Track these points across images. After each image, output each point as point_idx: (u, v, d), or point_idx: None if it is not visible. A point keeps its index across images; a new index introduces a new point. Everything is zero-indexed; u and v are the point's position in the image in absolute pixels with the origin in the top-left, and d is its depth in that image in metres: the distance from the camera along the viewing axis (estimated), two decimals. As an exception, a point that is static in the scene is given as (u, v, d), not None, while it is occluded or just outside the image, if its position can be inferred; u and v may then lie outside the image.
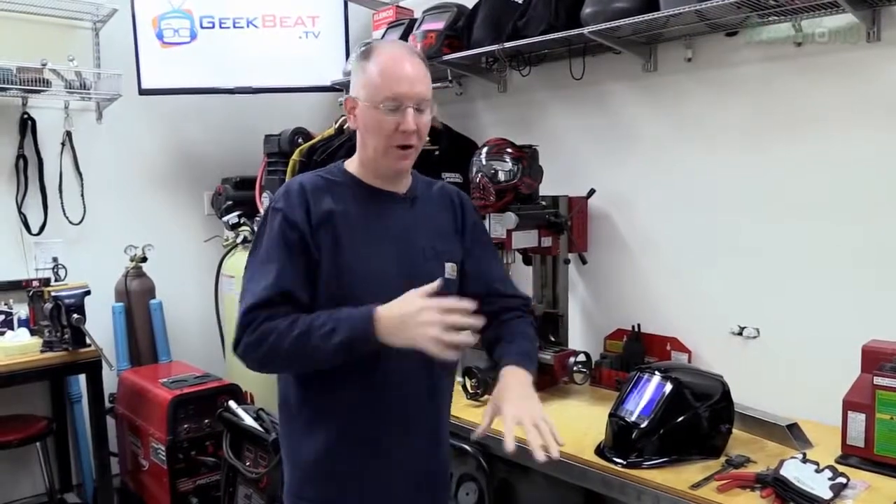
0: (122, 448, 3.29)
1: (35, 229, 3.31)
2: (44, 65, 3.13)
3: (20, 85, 3.08)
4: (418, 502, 1.56)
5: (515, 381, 1.45)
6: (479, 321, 1.36)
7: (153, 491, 3.04)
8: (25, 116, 3.27)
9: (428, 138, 2.82)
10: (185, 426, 2.90)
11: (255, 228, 2.63)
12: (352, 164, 1.54)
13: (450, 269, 1.55)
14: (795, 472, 1.54)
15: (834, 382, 1.73)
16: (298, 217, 1.43)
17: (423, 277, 1.39)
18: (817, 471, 1.56)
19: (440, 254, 1.55)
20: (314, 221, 1.43)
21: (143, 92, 3.34)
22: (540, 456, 1.33)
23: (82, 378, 3.15)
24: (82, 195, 3.43)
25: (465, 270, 1.59)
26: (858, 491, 1.54)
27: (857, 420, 1.66)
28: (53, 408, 3.37)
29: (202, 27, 3.32)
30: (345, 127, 3.06)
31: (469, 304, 1.34)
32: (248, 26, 3.32)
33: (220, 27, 3.33)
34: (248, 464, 2.56)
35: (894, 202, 1.86)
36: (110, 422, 3.20)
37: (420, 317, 1.30)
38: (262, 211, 2.58)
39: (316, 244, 1.42)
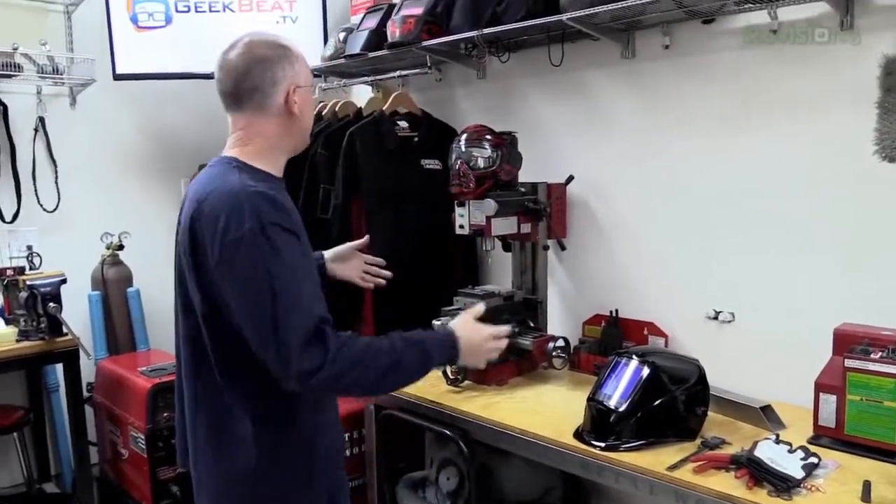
0: (101, 437, 3.27)
1: (8, 217, 3.27)
2: (15, 49, 3.08)
3: (-10, 70, 3.03)
4: None
5: None
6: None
7: (133, 479, 3.03)
8: (-4, 102, 3.22)
9: (407, 124, 2.85)
10: (165, 414, 2.88)
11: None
12: (260, 160, 1.51)
13: None
14: (769, 452, 1.57)
15: (806, 365, 1.77)
16: (296, 229, 1.44)
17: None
18: (790, 451, 1.59)
19: None
20: (299, 235, 1.45)
21: (117, 77, 3.29)
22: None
23: (59, 367, 3.13)
24: (56, 182, 3.39)
25: None
26: (829, 470, 1.58)
27: (829, 401, 1.70)
28: (30, 397, 3.35)
29: (177, 11, 3.28)
30: (323, 113, 3.05)
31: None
32: (224, 10, 3.29)
33: (196, 11, 3.29)
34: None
35: (868, 187, 1.89)
36: (88, 411, 3.19)
37: (488, 344, 1.70)
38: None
39: (303, 252, 1.46)
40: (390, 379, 1.49)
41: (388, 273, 2.08)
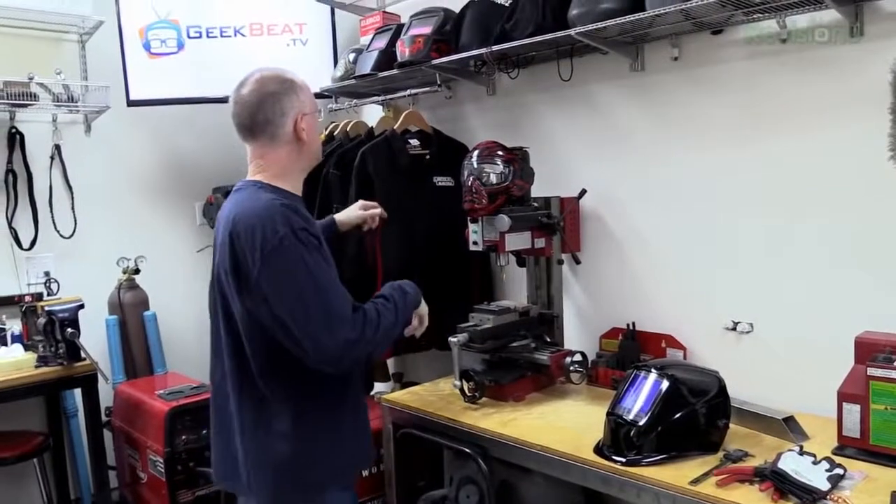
0: (120, 461, 3.28)
1: (26, 244, 3.30)
2: (31, 78, 3.12)
3: (7, 99, 3.07)
4: None
5: None
6: None
7: (152, 503, 3.03)
8: (13, 131, 3.26)
9: (418, 142, 2.87)
10: (183, 437, 2.89)
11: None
12: (280, 182, 1.71)
13: None
14: (793, 464, 1.55)
15: (828, 374, 1.75)
16: (318, 235, 1.64)
17: None
18: (814, 462, 1.57)
19: None
20: (319, 236, 1.65)
21: (131, 103, 3.33)
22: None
23: (78, 392, 3.14)
24: (73, 208, 3.42)
25: None
26: (855, 481, 1.56)
27: (853, 411, 1.68)
28: (49, 423, 3.36)
29: (189, 37, 3.32)
30: (335, 133, 3.07)
31: None
32: (235, 35, 3.33)
33: (208, 36, 3.33)
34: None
35: (884, 194, 1.88)
36: (107, 435, 3.19)
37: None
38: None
39: (324, 256, 1.64)
40: (398, 328, 1.74)
41: (381, 211, 2.23)
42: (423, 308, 1.87)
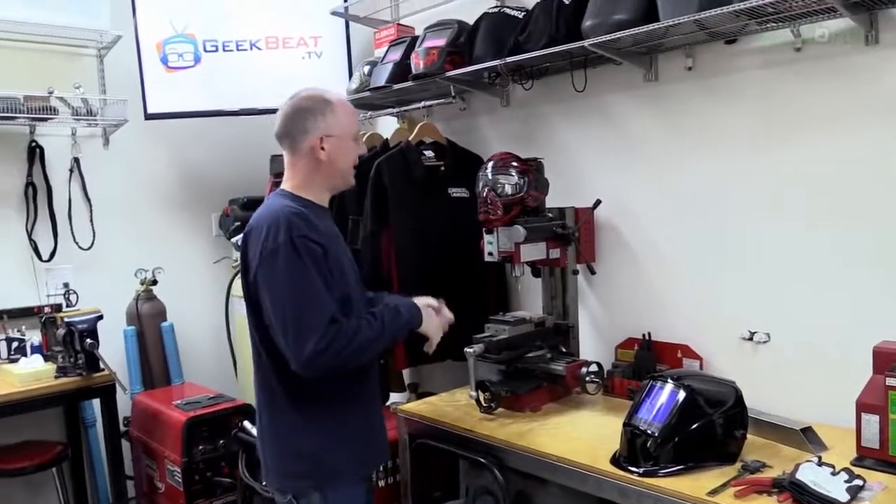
0: (138, 471, 3.30)
1: (45, 256, 3.34)
2: (50, 93, 3.17)
3: (28, 113, 3.13)
4: None
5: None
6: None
7: (170, 513, 3.05)
8: (33, 144, 3.31)
9: (433, 154, 2.89)
10: (200, 447, 2.91)
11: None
12: (303, 191, 1.82)
13: None
14: (812, 475, 1.54)
15: (846, 384, 1.74)
16: (323, 242, 1.72)
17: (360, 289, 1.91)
18: (833, 474, 1.56)
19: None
20: (325, 245, 1.73)
21: (148, 117, 3.37)
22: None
23: (96, 402, 3.17)
24: (91, 220, 3.47)
25: None
26: (875, 492, 1.54)
27: (871, 421, 1.66)
28: (68, 433, 3.39)
29: (206, 51, 3.36)
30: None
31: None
32: (251, 48, 3.36)
33: (224, 50, 3.36)
34: (264, 483, 2.56)
35: (899, 203, 1.87)
36: (125, 445, 3.22)
37: (439, 318, 1.95)
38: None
39: (329, 269, 1.72)
40: (378, 344, 1.78)
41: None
42: (431, 325, 1.90)
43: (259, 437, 1.90)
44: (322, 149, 1.78)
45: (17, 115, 3.10)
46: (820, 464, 1.60)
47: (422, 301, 1.93)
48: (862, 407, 1.68)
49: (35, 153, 3.32)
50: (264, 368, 1.81)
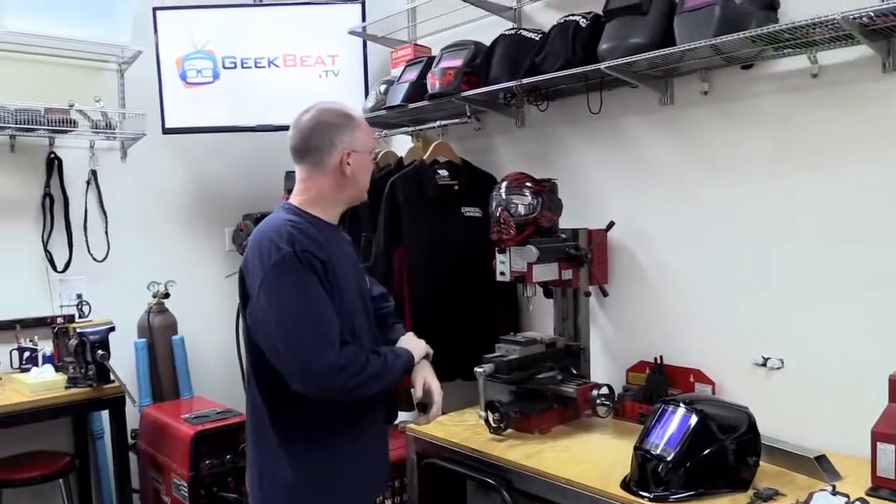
0: (144, 484, 3.29)
1: (60, 266, 3.37)
2: (71, 106, 3.21)
3: (48, 125, 3.16)
4: None
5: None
6: None
7: (175, 527, 3.03)
8: (52, 156, 3.35)
9: (447, 173, 2.90)
10: (207, 462, 2.90)
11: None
12: (313, 207, 1.79)
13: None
14: (826, 505, 1.52)
15: (862, 413, 1.72)
16: (322, 256, 1.67)
17: (368, 305, 1.89)
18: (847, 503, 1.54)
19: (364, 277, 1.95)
20: (326, 261, 1.69)
21: (166, 131, 3.41)
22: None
23: (105, 414, 3.17)
24: (106, 232, 3.49)
25: None
26: (891, 524, 1.52)
27: (887, 451, 1.64)
28: (76, 444, 3.39)
29: (224, 67, 3.40)
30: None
31: None
32: (269, 66, 3.39)
33: (242, 67, 3.40)
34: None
35: (917, 231, 1.86)
36: (132, 457, 3.21)
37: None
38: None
39: (329, 282, 1.68)
40: (384, 380, 1.75)
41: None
42: (423, 380, 1.89)
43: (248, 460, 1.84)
44: (347, 164, 1.76)
45: (38, 126, 3.13)
46: (834, 493, 1.57)
47: (418, 349, 1.91)
48: (877, 436, 1.66)
49: (53, 165, 3.35)
50: (250, 390, 1.78)
